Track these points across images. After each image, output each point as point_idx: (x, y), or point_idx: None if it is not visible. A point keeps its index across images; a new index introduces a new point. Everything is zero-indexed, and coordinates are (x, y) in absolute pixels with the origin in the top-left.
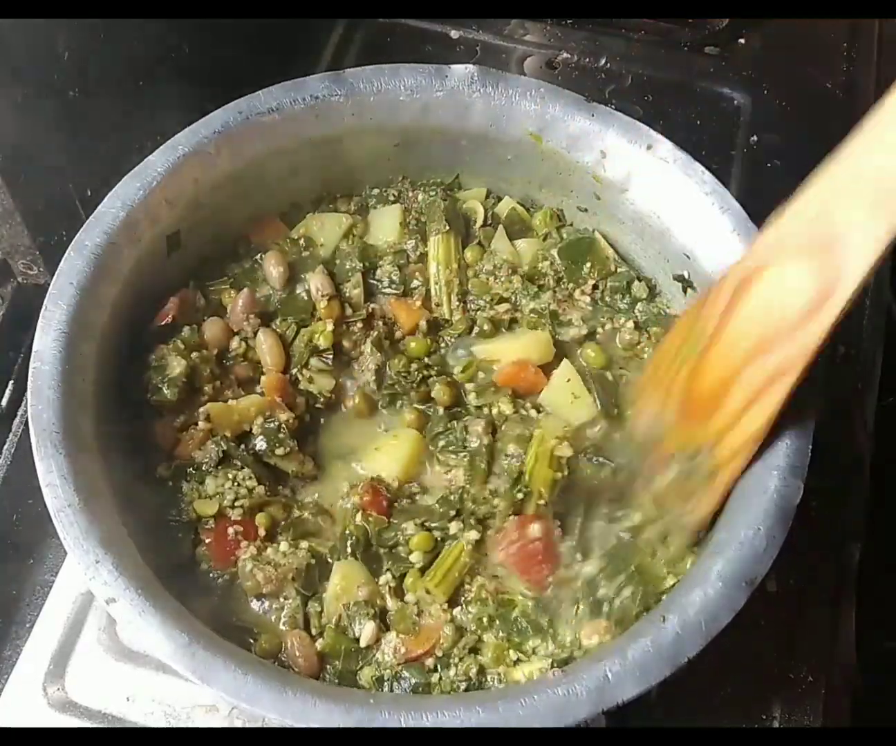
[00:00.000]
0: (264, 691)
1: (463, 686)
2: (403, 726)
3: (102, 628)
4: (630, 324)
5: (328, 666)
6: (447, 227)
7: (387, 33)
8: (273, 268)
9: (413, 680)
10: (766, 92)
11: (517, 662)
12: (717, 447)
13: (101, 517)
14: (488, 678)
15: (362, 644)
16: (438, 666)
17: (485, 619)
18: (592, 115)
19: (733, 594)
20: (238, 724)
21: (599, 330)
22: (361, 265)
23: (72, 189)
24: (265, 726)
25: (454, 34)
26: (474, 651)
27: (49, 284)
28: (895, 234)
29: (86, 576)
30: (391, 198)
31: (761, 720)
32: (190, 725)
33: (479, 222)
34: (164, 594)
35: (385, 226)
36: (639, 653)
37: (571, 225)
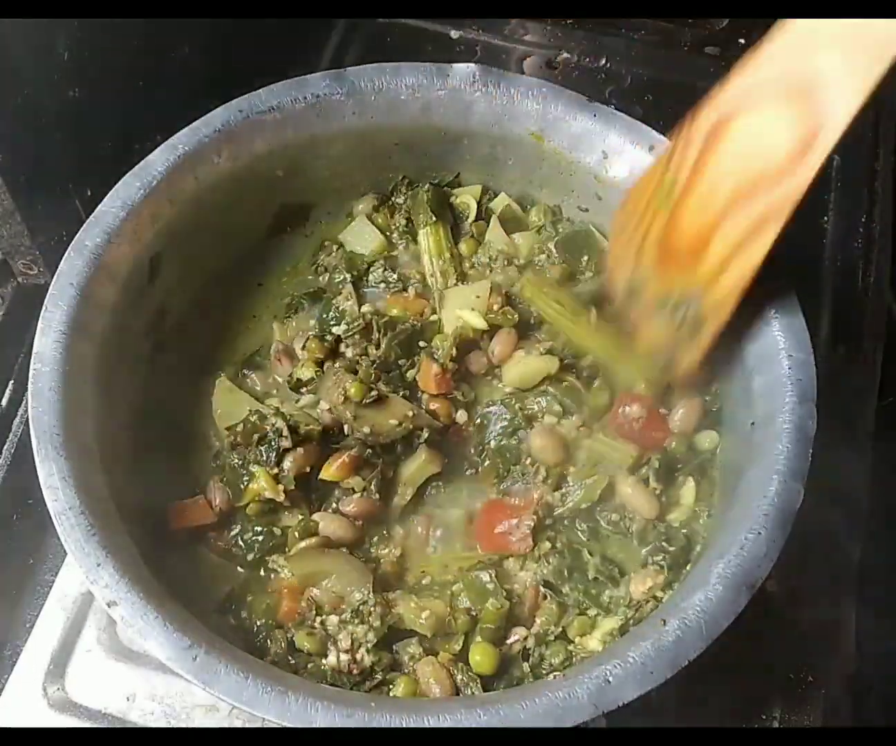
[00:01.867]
0: (265, 695)
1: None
2: (405, 727)
3: (102, 628)
4: None
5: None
6: (433, 218)
7: (387, 33)
8: None
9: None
10: None
11: (595, 625)
12: (704, 297)
13: (102, 519)
14: (571, 654)
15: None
16: (535, 645)
17: (564, 571)
18: (594, 116)
19: (733, 598)
20: (238, 724)
21: None
22: (350, 275)
23: (72, 189)
24: (265, 726)
25: (454, 34)
26: (563, 635)
27: (49, 284)
28: (876, 80)
29: (87, 579)
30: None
31: (761, 720)
32: (190, 725)
33: (472, 217)
34: (165, 596)
35: (363, 237)
36: (639, 656)
37: (568, 220)
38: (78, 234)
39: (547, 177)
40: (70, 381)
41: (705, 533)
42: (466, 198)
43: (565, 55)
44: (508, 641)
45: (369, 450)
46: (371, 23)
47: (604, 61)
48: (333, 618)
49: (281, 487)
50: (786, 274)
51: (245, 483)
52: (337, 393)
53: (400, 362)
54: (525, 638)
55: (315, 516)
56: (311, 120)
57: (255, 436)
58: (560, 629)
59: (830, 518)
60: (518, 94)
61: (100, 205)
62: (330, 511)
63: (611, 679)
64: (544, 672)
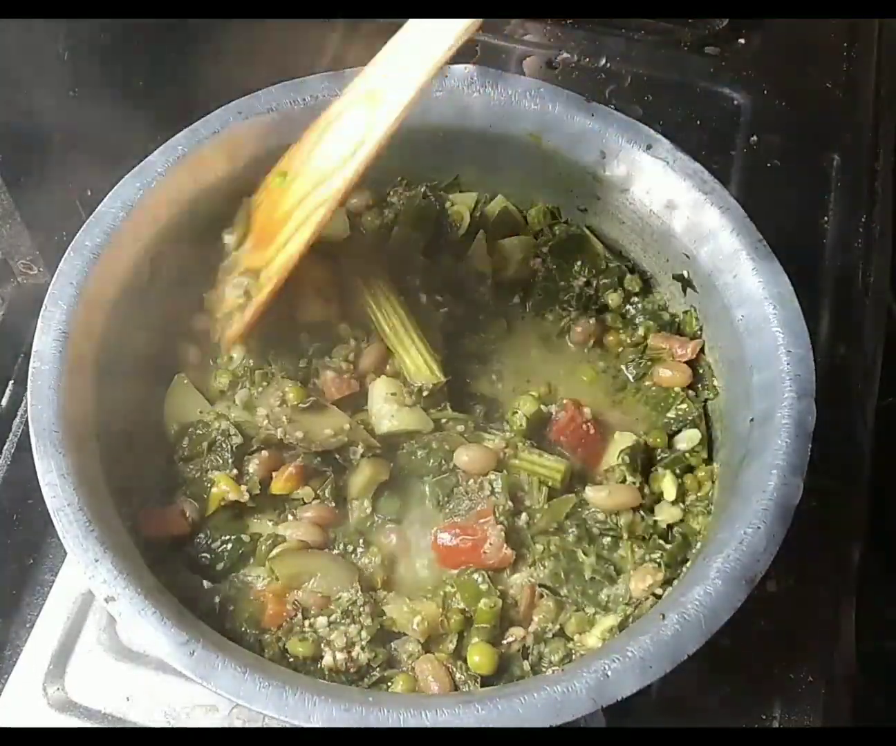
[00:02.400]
0: (263, 689)
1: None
2: (403, 725)
3: (102, 628)
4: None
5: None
6: (410, 225)
7: (387, 33)
8: None
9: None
10: (766, 92)
11: (593, 623)
12: (265, 270)
13: (100, 516)
14: (570, 651)
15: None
16: (534, 643)
17: (561, 574)
18: (592, 115)
19: (733, 592)
20: (238, 724)
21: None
22: None
23: (72, 189)
24: (265, 726)
25: None
26: (561, 632)
27: (49, 284)
28: (412, 99)
29: (85, 575)
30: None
31: (761, 720)
32: (190, 725)
33: (463, 230)
34: (163, 592)
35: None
36: (638, 650)
37: (566, 222)
38: (78, 234)
39: (546, 177)
40: (69, 380)
41: (704, 530)
42: (461, 209)
43: (565, 55)
44: (506, 641)
45: (317, 459)
46: (371, 23)
47: (604, 61)
48: (322, 620)
49: (244, 488)
50: (785, 272)
51: (208, 491)
52: (274, 397)
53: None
54: (523, 638)
55: (279, 527)
56: (309, 121)
57: (205, 444)
58: (558, 626)
59: (830, 517)
60: (516, 94)
61: (100, 205)
62: (290, 520)
63: (609, 673)
64: (544, 668)
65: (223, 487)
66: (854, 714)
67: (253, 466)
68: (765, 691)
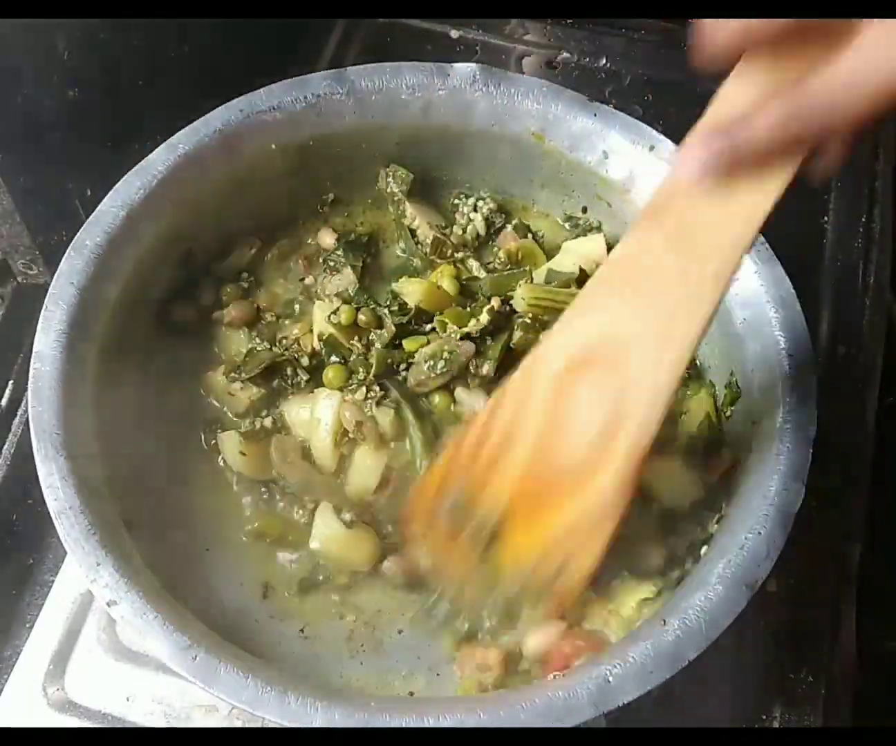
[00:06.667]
0: (265, 695)
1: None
2: (405, 727)
3: (102, 628)
4: None
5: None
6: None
7: (387, 33)
8: None
9: None
10: None
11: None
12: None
13: (102, 519)
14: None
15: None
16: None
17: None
18: (595, 115)
19: (733, 598)
20: (238, 724)
21: None
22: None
23: (72, 189)
24: (265, 726)
25: (454, 34)
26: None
27: (49, 284)
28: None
29: (87, 579)
30: None
31: (761, 720)
32: (190, 725)
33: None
34: (165, 596)
35: None
36: (639, 656)
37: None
38: (78, 234)
39: (548, 177)
40: (70, 381)
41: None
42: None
43: (565, 55)
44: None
45: None
46: (371, 23)
47: (604, 61)
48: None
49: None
50: (786, 274)
51: None
52: None
53: None
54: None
55: None
56: (311, 120)
57: None
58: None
59: (831, 517)
60: (518, 93)
61: (100, 205)
62: None
63: (611, 679)
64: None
65: None
66: (854, 714)
67: None
68: (765, 691)
